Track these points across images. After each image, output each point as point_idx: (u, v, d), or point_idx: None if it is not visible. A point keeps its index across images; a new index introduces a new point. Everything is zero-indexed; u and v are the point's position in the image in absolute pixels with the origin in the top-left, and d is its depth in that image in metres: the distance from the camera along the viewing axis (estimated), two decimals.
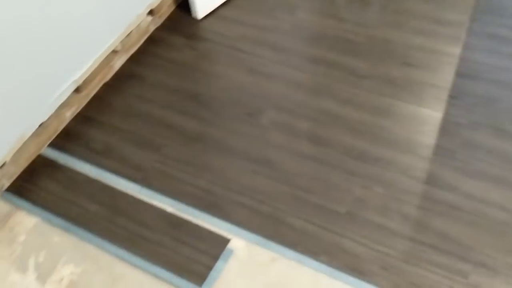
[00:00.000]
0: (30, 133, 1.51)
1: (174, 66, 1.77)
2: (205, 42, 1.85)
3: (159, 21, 1.89)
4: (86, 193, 1.46)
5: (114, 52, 1.73)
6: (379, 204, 1.38)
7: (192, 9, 1.88)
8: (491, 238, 1.30)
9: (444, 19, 1.82)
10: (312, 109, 1.61)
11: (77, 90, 1.63)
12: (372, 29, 1.82)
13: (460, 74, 1.66)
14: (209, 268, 1.28)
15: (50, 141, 1.58)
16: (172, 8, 1.94)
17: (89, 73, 1.64)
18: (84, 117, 1.64)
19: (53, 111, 1.57)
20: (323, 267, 1.28)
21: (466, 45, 1.74)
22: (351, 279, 1.25)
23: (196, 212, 1.39)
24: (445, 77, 1.66)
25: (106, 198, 1.45)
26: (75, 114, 1.64)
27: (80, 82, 1.62)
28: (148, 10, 1.82)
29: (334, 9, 1.91)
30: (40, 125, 1.54)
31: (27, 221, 1.42)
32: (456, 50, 1.73)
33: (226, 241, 1.33)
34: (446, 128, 1.53)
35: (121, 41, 1.73)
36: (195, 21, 1.90)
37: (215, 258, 1.30)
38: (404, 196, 1.40)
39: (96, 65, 1.66)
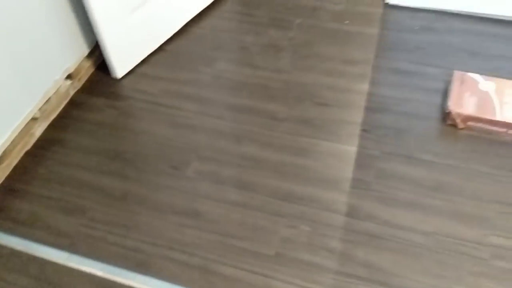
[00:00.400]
0: None
1: (96, 127, 1.78)
2: (127, 100, 1.88)
3: (78, 84, 1.91)
4: (13, 267, 1.42)
5: (34, 119, 1.72)
6: (305, 241, 1.44)
7: (111, 69, 1.92)
8: (411, 261, 1.37)
9: (351, 59, 1.96)
10: (236, 156, 1.67)
11: None
12: (286, 74, 1.93)
13: (370, 109, 1.77)
14: None
15: None
16: (91, 70, 1.97)
17: (8, 143, 1.63)
18: (6, 189, 1.61)
19: None
20: None
21: (373, 81, 1.86)
22: None
23: (126, 273, 1.38)
24: (356, 113, 1.77)
25: (35, 270, 1.42)
26: None
27: (0, 153, 1.61)
28: (66, 74, 1.84)
29: (250, 58, 2.00)
30: None
31: None
32: (364, 86, 1.85)
33: None
34: (361, 161, 1.62)
35: (40, 108, 1.74)
36: (115, 80, 1.94)
37: None
38: (328, 231, 1.46)
39: (15, 135, 1.65)
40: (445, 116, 1.68)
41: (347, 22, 2.12)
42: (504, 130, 1.62)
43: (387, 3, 2.16)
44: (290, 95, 1.85)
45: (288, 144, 1.69)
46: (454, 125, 1.66)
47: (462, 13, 2.09)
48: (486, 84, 1.70)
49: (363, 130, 1.71)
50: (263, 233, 1.46)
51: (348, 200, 1.52)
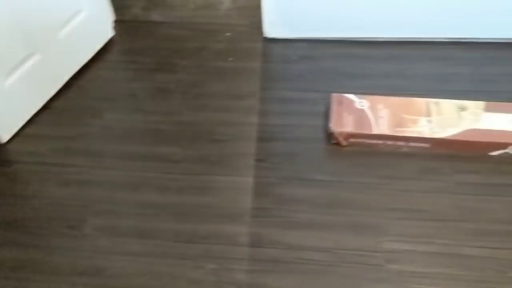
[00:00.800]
0: None
1: None
2: (14, 165, 1.80)
3: None
4: None
5: None
6: (213, 280, 1.44)
7: None
8: (315, 280, 1.43)
9: (239, 94, 2.03)
10: (134, 205, 1.65)
11: None
12: (178, 116, 1.95)
13: (261, 139, 1.84)
14: None
15: None
16: None
17: None
18: None
19: None
20: None
21: (261, 112, 1.94)
22: None
23: None
24: (249, 144, 1.83)
25: None
26: None
27: None
28: None
29: (139, 105, 2.01)
30: None
31: None
32: (254, 118, 1.92)
33: None
34: (259, 190, 1.67)
35: None
36: (0, 146, 1.85)
37: None
38: (235, 264, 1.48)
39: None
40: (329, 136, 1.78)
41: (231, 59, 2.20)
42: (381, 142, 1.75)
43: (265, 37, 2.28)
44: (184, 136, 1.87)
45: (186, 185, 1.70)
46: (338, 144, 1.78)
47: (334, 39, 2.26)
48: (360, 102, 1.83)
49: (258, 160, 1.77)
50: (170, 279, 1.45)
51: (250, 231, 1.56)
